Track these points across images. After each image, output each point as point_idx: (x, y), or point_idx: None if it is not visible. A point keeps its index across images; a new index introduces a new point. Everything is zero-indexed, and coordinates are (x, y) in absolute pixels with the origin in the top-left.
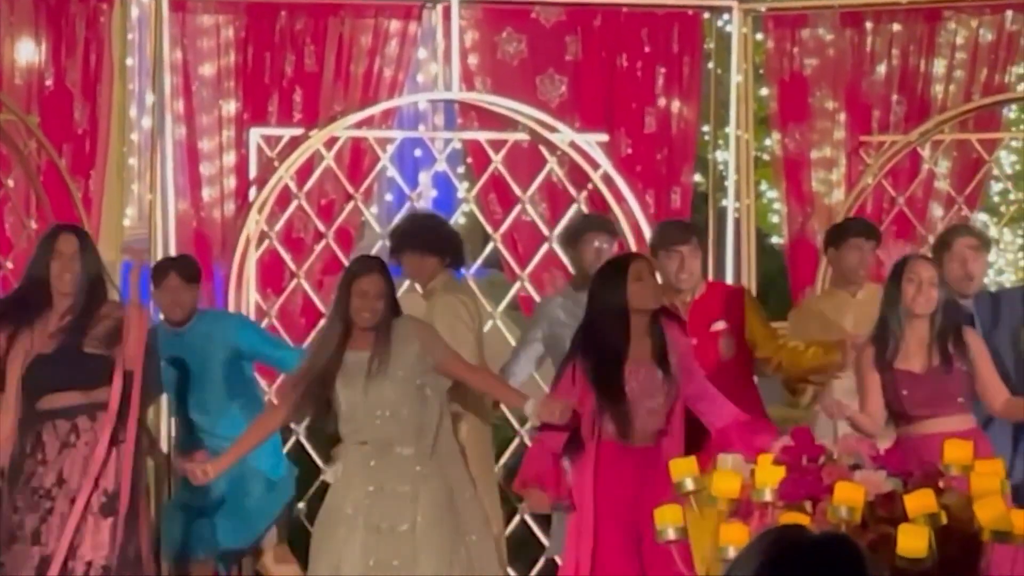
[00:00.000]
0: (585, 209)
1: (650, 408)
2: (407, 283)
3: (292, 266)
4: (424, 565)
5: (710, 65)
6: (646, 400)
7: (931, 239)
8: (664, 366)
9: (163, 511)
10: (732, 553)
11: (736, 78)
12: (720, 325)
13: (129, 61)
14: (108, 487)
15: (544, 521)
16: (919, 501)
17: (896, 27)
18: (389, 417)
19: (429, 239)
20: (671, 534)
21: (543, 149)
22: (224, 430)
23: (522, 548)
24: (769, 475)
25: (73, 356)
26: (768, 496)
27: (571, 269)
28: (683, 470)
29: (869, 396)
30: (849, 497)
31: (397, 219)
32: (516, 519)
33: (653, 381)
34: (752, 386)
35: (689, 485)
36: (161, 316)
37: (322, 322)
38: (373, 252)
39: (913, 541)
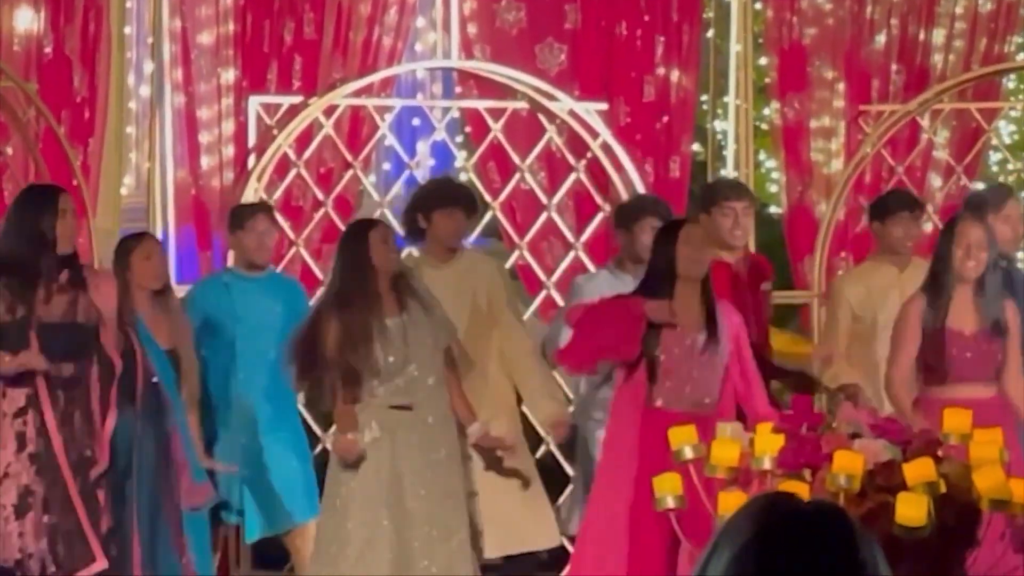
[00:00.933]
0: (584, 178)
1: (696, 376)
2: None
3: (291, 234)
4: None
5: (709, 34)
6: (691, 367)
7: (930, 208)
8: (712, 333)
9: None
10: None
11: (735, 47)
12: (768, 286)
13: (127, 29)
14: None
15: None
16: (918, 470)
17: None
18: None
19: (472, 200)
20: (670, 502)
21: (542, 118)
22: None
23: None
24: (768, 443)
25: (73, 324)
26: (767, 464)
27: (622, 247)
28: (681, 438)
29: (905, 349)
30: (848, 465)
31: (423, 182)
32: (542, 448)
33: (697, 349)
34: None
35: (688, 453)
36: (231, 262)
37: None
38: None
39: (912, 510)
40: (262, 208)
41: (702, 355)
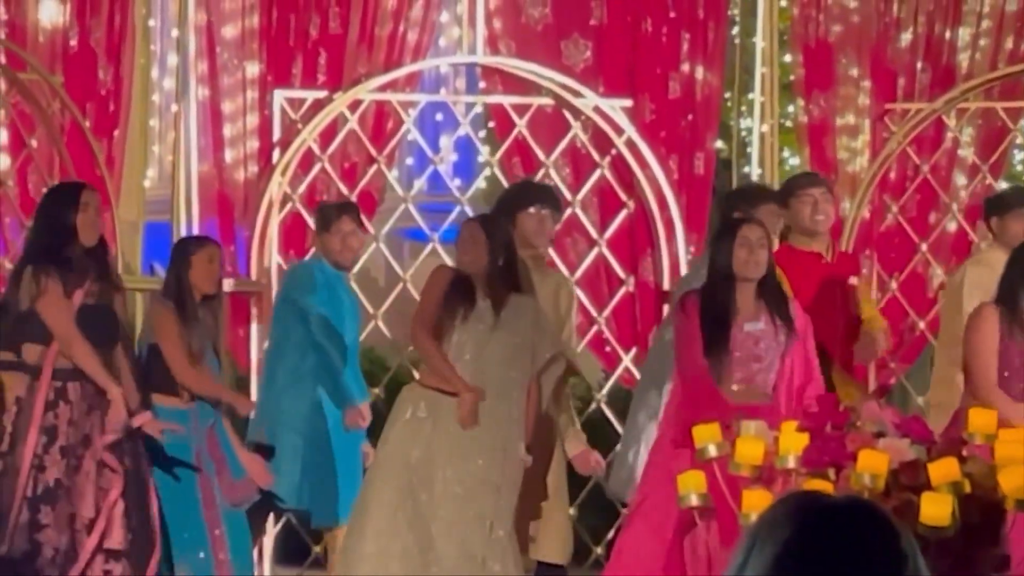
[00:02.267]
0: (609, 175)
1: (759, 363)
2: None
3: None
4: None
5: (735, 31)
6: (756, 350)
7: (955, 207)
8: (784, 318)
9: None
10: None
11: (761, 44)
12: (856, 280)
13: (152, 22)
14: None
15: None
16: (943, 469)
17: None
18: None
19: (555, 199)
20: (694, 500)
21: (567, 114)
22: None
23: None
24: (793, 442)
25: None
26: (792, 463)
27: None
28: (705, 436)
29: (984, 363)
30: (873, 465)
31: (507, 184)
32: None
33: (766, 332)
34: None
35: (712, 451)
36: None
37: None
38: (395, 216)
39: (936, 509)
40: (347, 209)
41: (772, 339)
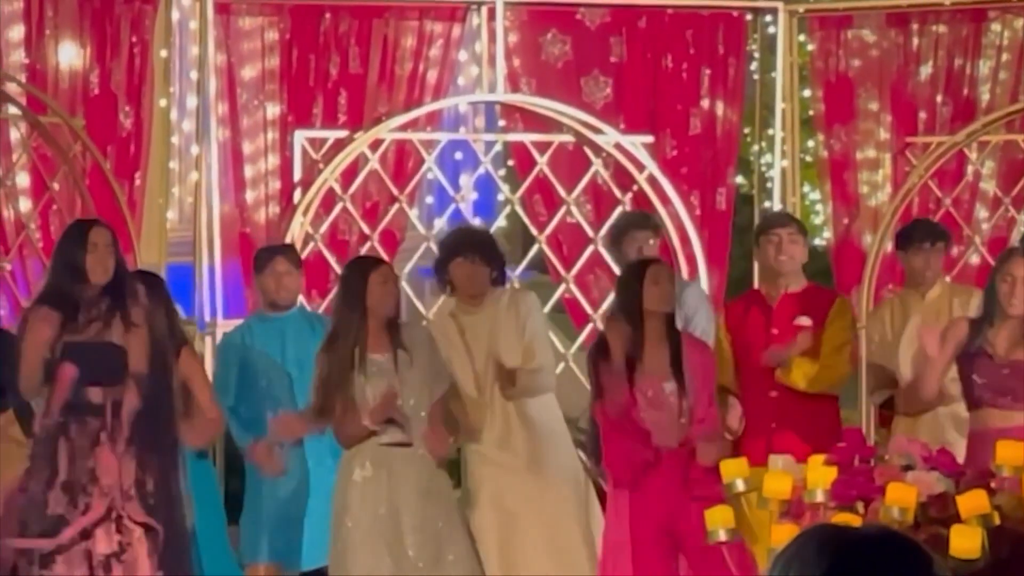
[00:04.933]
0: (630, 210)
1: (666, 420)
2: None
3: (337, 268)
4: None
5: (754, 66)
6: (660, 412)
7: (977, 240)
8: (679, 377)
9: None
10: None
11: (780, 79)
12: (804, 321)
13: (171, 63)
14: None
15: None
16: (971, 502)
17: (941, 28)
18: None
19: (488, 247)
20: (722, 535)
21: (588, 151)
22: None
23: None
24: (821, 476)
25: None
26: (820, 497)
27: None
28: (733, 471)
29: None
30: (901, 498)
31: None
32: None
33: (664, 394)
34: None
35: (740, 486)
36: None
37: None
38: (418, 255)
39: (966, 542)
40: (281, 250)
41: (672, 401)
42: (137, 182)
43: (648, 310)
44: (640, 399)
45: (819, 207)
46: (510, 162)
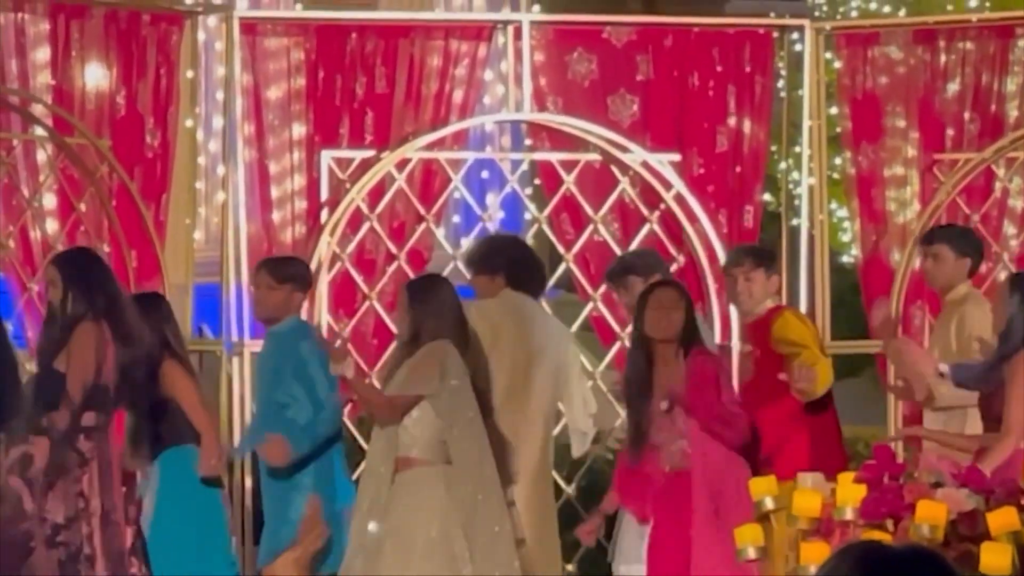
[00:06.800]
0: (658, 229)
1: (670, 445)
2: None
3: (364, 288)
4: None
5: (781, 84)
6: (662, 437)
7: (1006, 256)
8: (680, 399)
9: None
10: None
11: (807, 97)
12: (743, 348)
13: (197, 84)
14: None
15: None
16: (1002, 519)
17: (968, 45)
18: None
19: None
20: (751, 553)
21: (615, 169)
22: None
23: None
24: (850, 493)
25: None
26: (849, 515)
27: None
28: (762, 489)
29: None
30: (931, 515)
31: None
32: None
33: (664, 417)
34: (771, 412)
35: (768, 504)
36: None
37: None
38: (445, 273)
39: (996, 559)
40: (258, 265)
41: (671, 424)
42: (164, 203)
43: (648, 336)
44: (651, 423)
45: (847, 224)
46: (537, 181)
